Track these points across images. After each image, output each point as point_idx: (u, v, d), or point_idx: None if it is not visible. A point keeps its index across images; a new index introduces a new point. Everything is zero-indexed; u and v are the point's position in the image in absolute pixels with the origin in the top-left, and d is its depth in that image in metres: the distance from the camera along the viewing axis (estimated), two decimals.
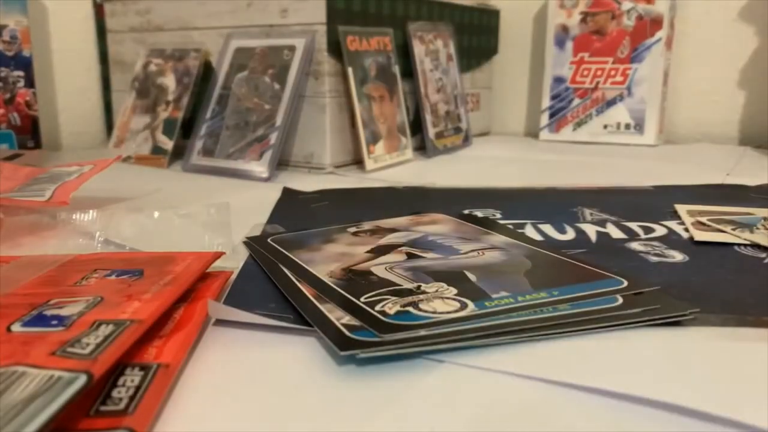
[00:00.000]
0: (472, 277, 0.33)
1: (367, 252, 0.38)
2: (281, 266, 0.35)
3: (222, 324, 0.29)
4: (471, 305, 0.29)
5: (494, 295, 0.30)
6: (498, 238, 0.40)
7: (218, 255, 0.35)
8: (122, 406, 0.21)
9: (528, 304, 0.29)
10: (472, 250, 0.38)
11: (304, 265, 0.35)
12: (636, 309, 0.29)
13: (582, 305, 0.29)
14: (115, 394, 0.22)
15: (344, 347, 0.25)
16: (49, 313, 0.26)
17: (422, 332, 0.26)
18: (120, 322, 0.25)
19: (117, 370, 0.23)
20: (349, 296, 0.30)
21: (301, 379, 0.25)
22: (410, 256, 0.37)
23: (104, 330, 0.24)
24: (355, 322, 0.27)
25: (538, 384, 0.24)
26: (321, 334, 0.27)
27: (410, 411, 0.22)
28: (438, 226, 0.44)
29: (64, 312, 0.26)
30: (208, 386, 0.24)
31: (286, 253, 0.37)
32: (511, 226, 0.44)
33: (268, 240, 0.40)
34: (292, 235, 0.42)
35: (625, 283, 0.31)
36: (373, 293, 0.30)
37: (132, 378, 0.23)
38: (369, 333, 0.26)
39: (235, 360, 0.26)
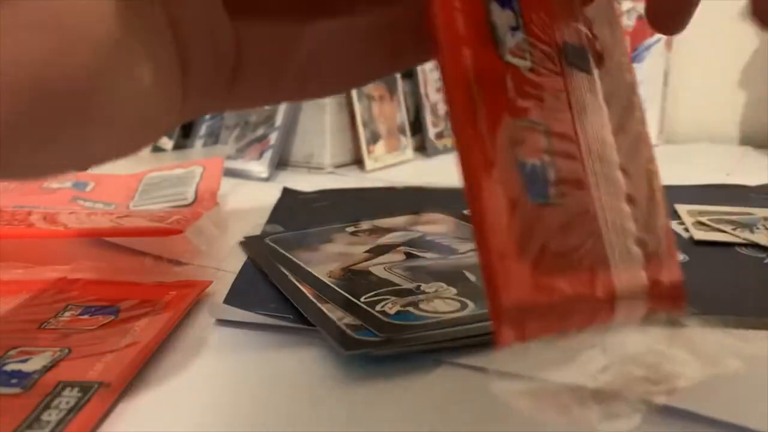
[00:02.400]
0: (471, 277, 0.33)
1: (366, 252, 0.37)
2: (280, 266, 0.35)
3: (222, 324, 0.29)
4: (471, 305, 0.29)
5: None
6: None
7: (206, 284, 0.33)
8: (47, 430, 0.19)
9: None
10: (471, 250, 0.37)
11: (303, 265, 0.35)
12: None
13: None
14: (45, 416, 0.20)
15: (349, 347, 0.25)
16: (9, 368, 0.23)
17: (425, 332, 0.26)
18: (87, 385, 0.22)
19: (55, 390, 0.22)
20: (349, 296, 0.30)
21: (300, 379, 0.24)
22: (409, 255, 0.37)
23: (68, 398, 0.21)
24: (356, 321, 0.27)
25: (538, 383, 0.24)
26: (324, 335, 0.27)
27: (410, 411, 0.22)
28: (436, 225, 0.44)
29: (26, 367, 0.23)
30: (206, 385, 0.24)
31: (285, 253, 0.37)
32: None
33: (266, 240, 0.40)
34: (289, 234, 0.42)
35: None
36: (373, 293, 0.30)
37: (68, 399, 0.21)
38: (370, 333, 0.26)
39: (233, 360, 0.26)
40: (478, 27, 0.18)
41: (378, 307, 0.29)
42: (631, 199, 0.22)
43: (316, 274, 0.33)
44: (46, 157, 0.19)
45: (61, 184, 0.52)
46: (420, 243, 0.39)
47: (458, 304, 0.29)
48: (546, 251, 0.18)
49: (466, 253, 0.37)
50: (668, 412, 0.21)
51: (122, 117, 0.19)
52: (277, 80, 0.25)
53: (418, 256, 0.36)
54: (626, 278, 0.20)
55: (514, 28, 0.19)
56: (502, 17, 0.19)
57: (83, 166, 0.21)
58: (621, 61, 0.23)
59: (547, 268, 0.18)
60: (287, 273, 0.34)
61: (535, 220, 0.18)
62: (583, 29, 0.22)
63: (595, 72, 0.22)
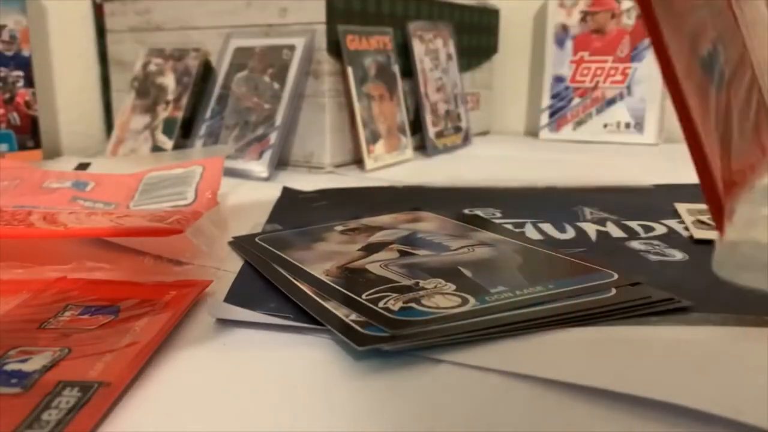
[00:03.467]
0: (467, 272, 0.33)
1: (359, 250, 0.38)
2: (275, 266, 0.35)
3: (222, 324, 0.29)
4: (472, 300, 0.29)
5: (492, 290, 0.30)
6: (485, 235, 0.40)
7: (206, 284, 0.33)
8: (47, 430, 0.19)
9: (527, 297, 0.29)
10: (462, 247, 0.38)
11: (298, 264, 0.35)
12: (634, 299, 0.29)
13: (580, 297, 0.29)
14: (44, 416, 0.20)
15: (360, 343, 0.25)
16: (9, 368, 0.23)
17: (432, 327, 0.26)
18: (87, 385, 0.22)
19: (55, 389, 0.22)
20: (350, 294, 0.30)
21: (300, 378, 0.24)
22: (402, 253, 0.37)
23: (68, 398, 0.21)
24: (361, 318, 0.27)
25: (538, 383, 0.24)
26: (334, 332, 0.27)
27: (410, 411, 0.22)
28: (424, 223, 0.44)
29: (26, 367, 0.23)
30: (207, 385, 0.24)
31: (279, 252, 0.37)
32: (510, 226, 0.44)
33: (256, 239, 0.40)
34: (280, 234, 0.42)
35: (616, 276, 0.32)
36: (373, 290, 0.30)
37: (68, 399, 0.21)
38: (378, 329, 0.26)
39: (233, 360, 0.26)
40: None
41: (381, 304, 0.29)
42: None
43: (313, 273, 0.34)
44: None
45: (61, 183, 0.51)
46: (412, 241, 0.39)
47: (459, 299, 0.29)
48: (732, 133, 0.21)
49: (458, 249, 0.37)
50: (668, 408, 0.21)
51: None
52: None
53: (412, 254, 0.37)
54: None
55: None
56: None
57: None
58: None
59: (735, 155, 0.21)
60: (284, 272, 0.34)
61: (720, 109, 0.21)
62: None
63: None
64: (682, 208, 0.49)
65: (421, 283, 0.32)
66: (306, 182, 0.61)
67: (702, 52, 0.20)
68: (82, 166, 0.64)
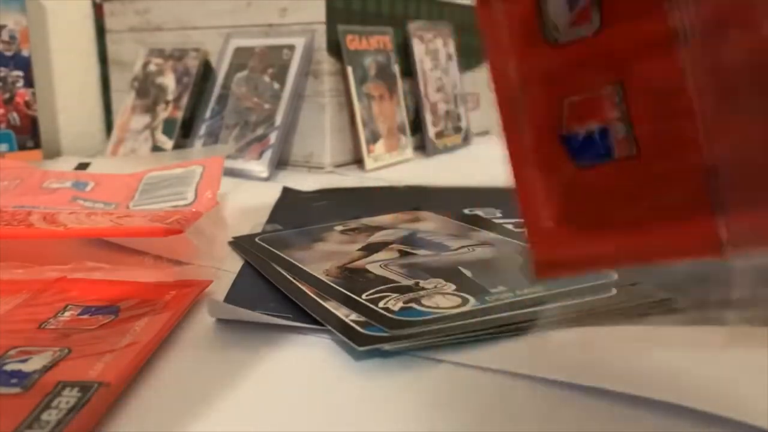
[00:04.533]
0: (467, 272, 0.33)
1: (359, 250, 0.38)
2: (275, 265, 0.35)
3: (222, 323, 0.29)
4: (472, 300, 0.29)
5: (493, 290, 0.30)
6: (486, 235, 0.40)
7: (206, 284, 0.33)
8: (47, 430, 0.19)
9: (527, 297, 0.29)
10: (462, 247, 0.38)
11: (298, 264, 0.35)
12: (633, 299, 0.29)
13: (580, 297, 0.29)
14: (44, 416, 0.20)
15: (360, 343, 0.25)
16: (9, 368, 0.23)
17: (432, 327, 0.26)
18: (87, 385, 0.22)
19: (55, 389, 0.21)
20: (349, 294, 0.30)
21: (299, 378, 0.24)
22: (402, 253, 0.37)
23: (67, 398, 0.21)
24: (361, 318, 0.27)
25: (539, 383, 0.24)
26: (334, 332, 0.27)
27: (410, 411, 0.22)
28: (423, 223, 0.44)
29: (26, 367, 0.23)
30: (207, 385, 0.24)
31: (278, 252, 0.37)
32: (510, 226, 0.44)
33: (256, 239, 0.40)
34: (280, 234, 0.42)
35: (616, 276, 0.32)
36: (373, 290, 0.30)
37: (68, 399, 0.21)
38: (378, 329, 0.26)
39: (233, 359, 0.26)
40: (525, 25, 0.19)
41: (381, 304, 0.29)
42: None
43: (313, 273, 0.34)
44: None
45: (61, 183, 0.51)
46: (412, 240, 0.39)
47: (459, 300, 0.29)
48: (597, 209, 0.21)
49: (459, 249, 0.37)
50: (668, 408, 0.21)
51: None
52: None
53: (412, 254, 0.37)
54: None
55: None
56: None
57: None
58: None
59: (591, 225, 0.20)
60: (283, 272, 0.34)
61: (584, 184, 0.21)
62: None
63: None
64: None
65: (421, 283, 0.31)
66: (306, 182, 0.61)
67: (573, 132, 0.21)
68: (82, 166, 0.64)
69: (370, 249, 0.38)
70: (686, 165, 0.20)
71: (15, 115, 0.75)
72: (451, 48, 0.88)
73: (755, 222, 0.20)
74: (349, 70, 0.68)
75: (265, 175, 0.65)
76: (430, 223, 0.44)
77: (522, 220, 0.21)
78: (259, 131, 0.68)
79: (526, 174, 0.21)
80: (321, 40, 0.67)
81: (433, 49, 0.83)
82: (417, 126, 0.81)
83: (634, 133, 0.20)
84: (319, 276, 0.33)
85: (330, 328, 0.27)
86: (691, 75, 0.20)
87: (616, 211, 0.21)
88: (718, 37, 0.19)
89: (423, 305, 0.29)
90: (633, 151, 0.21)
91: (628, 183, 0.21)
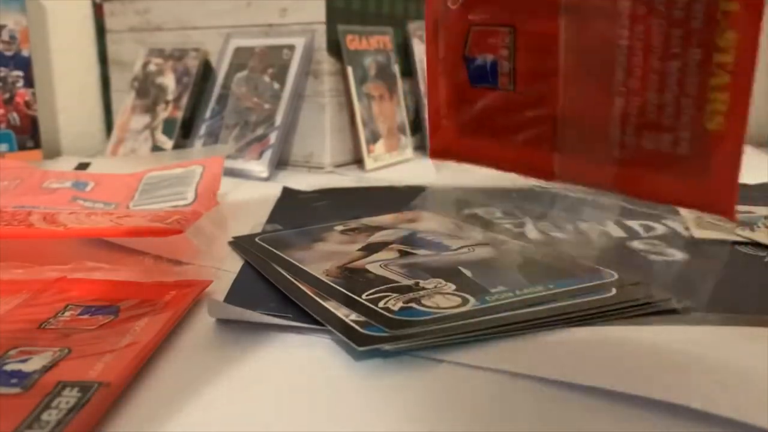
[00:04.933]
0: (467, 272, 0.33)
1: (359, 250, 0.38)
2: (275, 265, 0.35)
3: (222, 324, 0.29)
4: (472, 300, 0.29)
5: (493, 290, 0.30)
6: (485, 235, 0.40)
7: (206, 284, 0.33)
8: (47, 430, 0.19)
9: (527, 297, 0.29)
10: (462, 247, 0.38)
11: (298, 264, 0.35)
12: (634, 299, 0.29)
13: (580, 297, 0.29)
14: (44, 416, 0.20)
15: (360, 343, 0.25)
16: (9, 368, 0.23)
17: (432, 327, 0.26)
18: (87, 385, 0.22)
19: (55, 389, 0.21)
20: (349, 294, 0.30)
21: (299, 378, 0.24)
22: (402, 253, 0.37)
23: (67, 398, 0.21)
24: (361, 318, 0.27)
25: (539, 383, 0.24)
26: (334, 332, 0.27)
27: (410, 411, 0.22)
28: (422, 223, 0.44)
29: (26, 367, 0.23)
30: (207, 385, 0.24)
31: (278, 252, 0.37)
32: (510, 226, 0.44)
33: (256, 239, 0.40)
34: (280, 234, 0.42)
35: (616, 276, 0.32)
36: (373, 290, 0.30)
37: (68, 399, 0.21)
38: (378, 329, 0.26)
39: (233, 360, 0.26)
40: None
41: (381, 304, 0.29)
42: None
43: (313, 273, 0.34)
44: None
45: (61, 183, 0.51)
46: (412, 240, 0.39)
47: (459, 299, 0.29)
48: (479, 121, 0.28)
49: (459, 249, 0.37)
50: (669, 408, 0.21)
51: None
52: None
53: (412, 254, 0.37)
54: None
55: None
56: None
57: None
58: None
59: (474, 131, 0.29)
60: (283, 272, 0.34)
61: (474, 99, 0.28)
62: None
63: None
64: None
65: (421, 283, 0.31)
66: (306, 182, 0.61)
67: (473, 56, 0.29)
68: (82, 166, 0.64)
69: (370, 249, 0.38)
70: (544, 111, 0.27)
71: (15, 115, 0.75)
72: None
73: (576, 165, 0.27)
74: (349, 70, 0.68)
75: (265, 175, 0.65)
76: (430, 223, 0.44)
77: (427, 117, 0.26)
78: (259, 131, 0.68)
79: (436, 80, 0.26)
80: (321, 40, 0.67)
81: None
82: (417, 126, 0.81)
83: (515, 74, 0.27)
84: (319, 276, 0.33)
85: (330, 328, 0.27)
86: (562, 42, 0.26)
87: (494, 127, 0.28)
88: (582, 20, 0.25)
89: (423, 305, 0.29)
90: (511, 88, 0.28)
91: (504, 110, 0.28)
